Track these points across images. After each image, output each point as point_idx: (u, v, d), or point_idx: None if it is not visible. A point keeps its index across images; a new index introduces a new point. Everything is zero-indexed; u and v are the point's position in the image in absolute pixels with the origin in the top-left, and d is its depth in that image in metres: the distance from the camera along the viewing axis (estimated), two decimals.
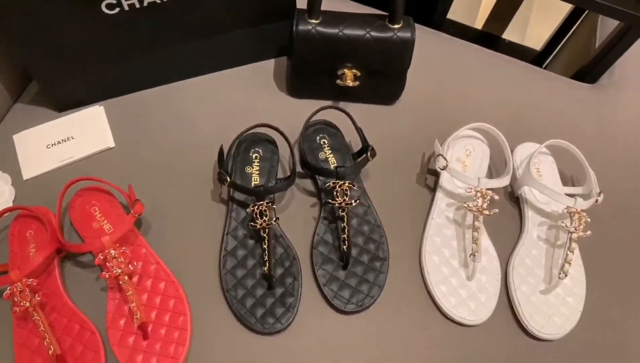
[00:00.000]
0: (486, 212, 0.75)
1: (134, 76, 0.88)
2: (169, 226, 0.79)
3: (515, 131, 0.90)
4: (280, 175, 0.84)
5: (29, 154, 0.84)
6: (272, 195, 0.78)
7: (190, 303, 0.73)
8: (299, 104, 0.91)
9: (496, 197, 0.76)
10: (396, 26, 0.81)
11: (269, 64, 0.96)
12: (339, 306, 0.73)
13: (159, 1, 0.78)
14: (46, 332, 0.67)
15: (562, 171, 0.88)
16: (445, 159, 0.78)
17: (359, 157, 0.83)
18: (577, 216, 0.75)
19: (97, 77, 0.86)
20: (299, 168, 0.82)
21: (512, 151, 0.87)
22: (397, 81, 0.88)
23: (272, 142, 0.84)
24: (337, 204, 0.75)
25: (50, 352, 0.66)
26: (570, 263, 0.73)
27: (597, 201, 0.78)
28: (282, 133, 0.79)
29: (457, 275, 0.76)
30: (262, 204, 0.73)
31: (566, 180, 0.88)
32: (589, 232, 0.75)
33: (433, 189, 0.84)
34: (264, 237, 0.73)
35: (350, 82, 0.84)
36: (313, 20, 0.81)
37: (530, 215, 0.81)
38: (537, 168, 0.86)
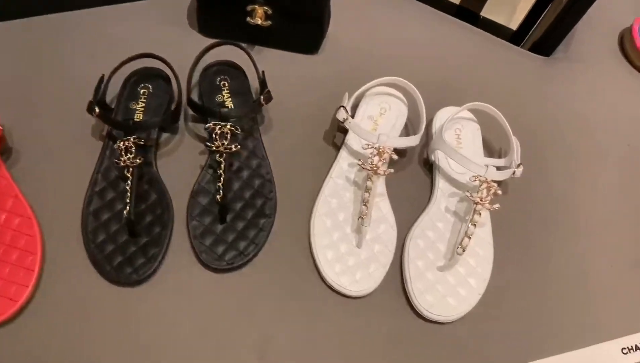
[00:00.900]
0: (380, 171, 0.66)
1: None
2: (39, 160, 0.71)
3: (445, 95, 0.82)
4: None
5: None
6: (147, 133, 0.70)
7: (46, 243, 0.66)
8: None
9: (394, 157, 0.68)
10: None
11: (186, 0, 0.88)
12: (208, 262, 0.66)
13: None
14: None
15: (490, 142, 0.79)
16: (346, 111, 0.69)
17: None
18: (485, 186, 0.66)
19: None
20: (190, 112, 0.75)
21: (435, 116, 0.79)
22: (314, 27, 0.80)
23: (166, 79, 0.76)
24: (214, 148, 0.67)
25: None
26: (470, 238, 0.65)
27: (514, 173, 0.70)
28: (168, 65, 0.71)
29: (348, 241, 0.68)
30: (128, 140, 0.66)
31: (492, 152, 0.79)
32: (496, 205, 0.67)
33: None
34: (128, 178, 0.65)
35: (260, 20, 0.76)
36: None
37: (441, 184, 0.73)
38: (458, 134, 0.77)
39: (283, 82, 0.80)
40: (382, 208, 0.71)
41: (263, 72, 0.74)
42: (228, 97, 0.76)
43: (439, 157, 0.74)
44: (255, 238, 0.68)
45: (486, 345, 0.66)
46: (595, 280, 0.72)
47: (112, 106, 0.74)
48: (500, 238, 0.71)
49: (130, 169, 0.65)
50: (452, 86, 0.85)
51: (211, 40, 0.74)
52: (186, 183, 0.71)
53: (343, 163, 0.73)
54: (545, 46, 0.93)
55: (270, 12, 0.76)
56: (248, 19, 0.77)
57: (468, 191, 0.67)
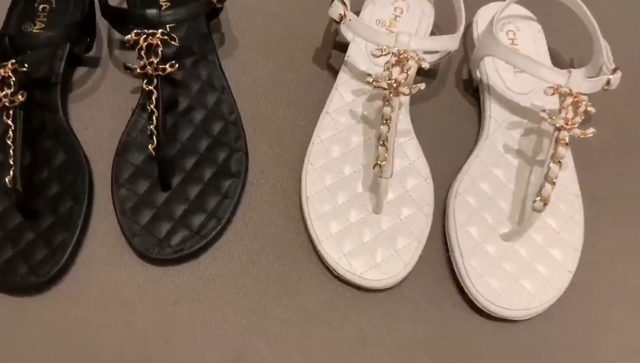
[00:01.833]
0: (404, 89, 0.42)
1: None
2: None
3: None
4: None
5: None
6: (48, 63, 0.47)
7: None
8: None
9: (426, 64, 0.43)
10: None
11: None
12: (144, 249, 0.42)
13: None
14: None
15: (556, 52, 0.54)
16: (343, 2, 0.45)
17: None
18: (570, 100, 0.42)
19: None
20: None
21: (475, 17, 0.54)
22: None
23: None
24: (137, 70, 0.43)
25: None
26: (553, 183, 0.41)
27: (608, 82, 0.45)
28: None
29: (360, 206, 0.44)
30: (5, 67, 0.42)
31: (561, 63, 0.55)
32: (591, 130, 0.42)
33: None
34: (9, 126, 0.42)
35: None
36: None
37: (494, 112, 0.48)
38: (512, 39, 0.52)
39: None
40: (408, 152, 0.46)
41: None
42: (167, 6, 0.52)
43: (488, 71, 0.50)
44: (217, 209, 0.44)
45: (586, 350, 0.42)
46: None
47: None
48: (588, 186, 0.47)
49: (11, 111, 0.42)
50: None
51: None
52: (110, 135, 0.47)
53: (344, 91, 0.49)
54: None
55: None
56: None
57: (545, 112, 0.43)
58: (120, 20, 0.47)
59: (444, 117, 0.50)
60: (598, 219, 0.46)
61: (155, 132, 0.42)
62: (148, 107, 0.42)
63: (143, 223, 0.43)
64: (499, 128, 0.48)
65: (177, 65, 0.43)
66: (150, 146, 0.42)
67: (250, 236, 0.44)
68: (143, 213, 0.44)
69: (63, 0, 0.51)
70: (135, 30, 0.43)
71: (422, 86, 0.42)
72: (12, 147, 0.41)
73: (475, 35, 0.52)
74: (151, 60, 0.42)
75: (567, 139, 0.41)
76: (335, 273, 0.43)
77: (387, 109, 0.42)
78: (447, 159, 0.48)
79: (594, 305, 0.44)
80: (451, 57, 0.52)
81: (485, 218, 0.45)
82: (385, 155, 0.42)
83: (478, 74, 0.50)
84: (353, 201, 0.45)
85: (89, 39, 0.50)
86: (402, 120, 0.47)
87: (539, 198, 0.41)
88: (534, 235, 0.44)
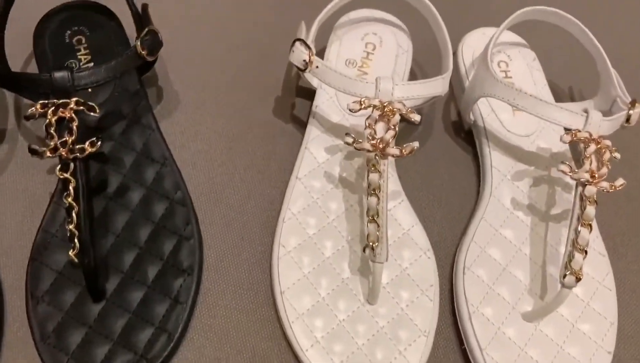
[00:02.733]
0: (394, 151, 0.33)
1: None
2: None
3: (472, 7, 0.50)
4: None
5: None
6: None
7: None
8: None
9: (417, 117, 0.35)
10: None
11: None
12: None
13: None
14: None
15: (552, 80, 0.48)
16: (306, 46, 0.36)
17: None
18: (593, 147, 0.35)
19: None
20: None
21: (459, 45, 0.47)
22: None
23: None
24: (47, 153, 0.32)
25: None
26: (585, 252, 0.33)
27: (629, 117, 0.38)
28: None
29: (350, 297, 0.35)
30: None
31: (559, 94, 0.48)
32: (620, 182, 0.35)
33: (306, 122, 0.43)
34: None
35: None
36: None
37: (495, 160, 0.41)
38: (504, 70, 0.45)
39: (187, 24, 0.47)
40: (401, 219, 0.38)
41: (144, 6, 0.40)
42: (88, 62, 0.41)
43: (483, 113, 0.42)
44: (167, 320, 0.34)
45: None
46: None
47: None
48: (611, 241, 0.40)
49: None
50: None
51: None
52: (21, 232, 0.37)
53: (316, 149, 0.40)
54: None
55: None
56: None
57: (565, 164, 0.35)
58: (19, 87, 0.36)
59: (436, 169, 0.42)
60: (631, 281, 0.39)
61: (77, 232, 0.32)
62: (65, 201, 0.32)
63: (71, 349, 0.33)
64: (504, 180, 0.40)
65: (99, 143, 0.33)
66: (71, 252, 0.32)
67: (212, 351, 0.35)
68: (71, 335, 0.33)
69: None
70: (41, 101, 0.33)
71: (416, 144, 0.34)
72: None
73: (462, 68, 0.45)
74: (64, 139, 0.32)
75: (595, 196, 0.34)
76: None
77: (374, 177, 0.33)
78: (446, 221, 0.40)
79: None
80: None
81: (502, 295, 0.36)
82: (378, 233, 0.33)
83: (471, 117, 0.42)
84: (340, 291, 0.35)
85: None
86: (392, 180, 0.39)
87: (568, 272, 0.33)
88: (560, 309, 0.36)
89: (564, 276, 0.33)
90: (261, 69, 0.46)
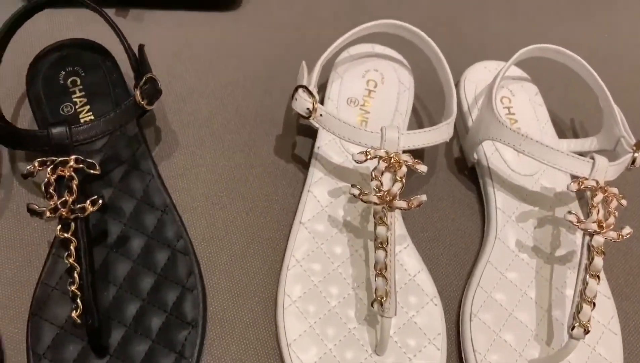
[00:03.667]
0: (401, 204, 0.33)
1: None
2: None
3: (470, 43, 0.49)
4: None
5: None
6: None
7: None
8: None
9: (423, 168, 0.35)
10: None
11: None
12: None
13: None
14: None
15: (554, 111, 0.47)
16: (309, 93, 0.36)
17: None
18: (600, 196, 0.35)
19: None
20: None
21: (461, 80, 0.46)
22: None
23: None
24: (47, 214, 0.31)
25: None
26: (594, 305, 0.33)
27: (634, 160, 0.38)
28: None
29: (357, 347, 0.35)
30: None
31: (562, 128, 0.47)
32: (627, 231, 0.35)
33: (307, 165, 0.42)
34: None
35: None
36: None
37: (499, 201, 0.40)
38: (507, 106, 0.45)
39: (185, 60, 0.46)
40: (407, 264, 0.38)
41: (141, 47, 0.39)
42: (84, 105, 0.41)
43: (487, 152, 0.42)
44: None
45: None
46: None
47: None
48: (617, 284, 0.40)
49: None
50: (478, 29, 0.53)
51: None
52: (19, 286, 0.36)
53: (319, 193, 0.39)
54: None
55: None
56: None
57: (570, 214, 0.35)
58: (15, 143, 0.35)
59: (440, 209, 0.42)
60: (636, 322, 0.39)
61: (80, 294, 0.31)
62: (66, 261, 0.31)
63: None
64: (508, 221, 0.40)
65: (100, 201, 0.32)
66: (74, 314, 0.31)
67: None
68: None
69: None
70: (39, 159, 0.32)
71: (423, 197, 0.33)
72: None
73: (464, 105, 0.44)
74: (64, 198, 0.31)
75: (602, 247, 0.34)
76: None
77: (381, 230, 0.33)
78: (451, 265, 0.40)
79: None
80: None
81: (508, 341, 0.36)
82: (386, 288, 0.33)
83: (475, 156, 0.42)
84: (347, 342, 0.35)
85: None
86: (398, 225, 0.38)
87: (577, 323, 0.33)
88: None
89: (572, 327, 0.33)
90: (261, 105, 0.45)
